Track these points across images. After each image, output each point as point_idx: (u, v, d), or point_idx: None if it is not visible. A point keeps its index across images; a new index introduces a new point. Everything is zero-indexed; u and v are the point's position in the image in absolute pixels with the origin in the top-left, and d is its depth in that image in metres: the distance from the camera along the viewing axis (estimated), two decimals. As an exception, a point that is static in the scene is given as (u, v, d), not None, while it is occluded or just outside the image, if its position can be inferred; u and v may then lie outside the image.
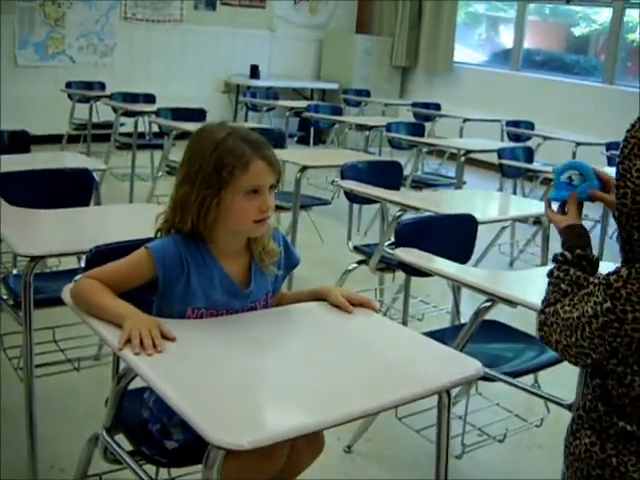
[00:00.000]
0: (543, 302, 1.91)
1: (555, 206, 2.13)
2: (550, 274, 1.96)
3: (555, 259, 1.98)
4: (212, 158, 2.13)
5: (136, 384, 2.11)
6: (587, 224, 2.08)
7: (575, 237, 1.99)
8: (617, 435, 1.76)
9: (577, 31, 11.18)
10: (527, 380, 3.55)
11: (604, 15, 10.30)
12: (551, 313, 1.83)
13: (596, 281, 1.72)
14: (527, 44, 11.39)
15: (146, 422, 2.23)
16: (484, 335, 3.20)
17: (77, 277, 2.23)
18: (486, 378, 2.84)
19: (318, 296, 2.36)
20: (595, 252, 1.99)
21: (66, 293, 2.19)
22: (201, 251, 2.20)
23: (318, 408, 1.76)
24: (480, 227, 3.64)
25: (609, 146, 7.45)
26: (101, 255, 2.30)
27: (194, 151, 2.19)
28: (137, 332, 1.94)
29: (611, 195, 1.96)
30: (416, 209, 3.86)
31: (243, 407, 1.72)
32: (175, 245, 2.18)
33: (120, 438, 2.24)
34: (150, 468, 2.23)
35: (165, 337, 1.97)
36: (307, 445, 2.19)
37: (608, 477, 1.76)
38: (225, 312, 2.22)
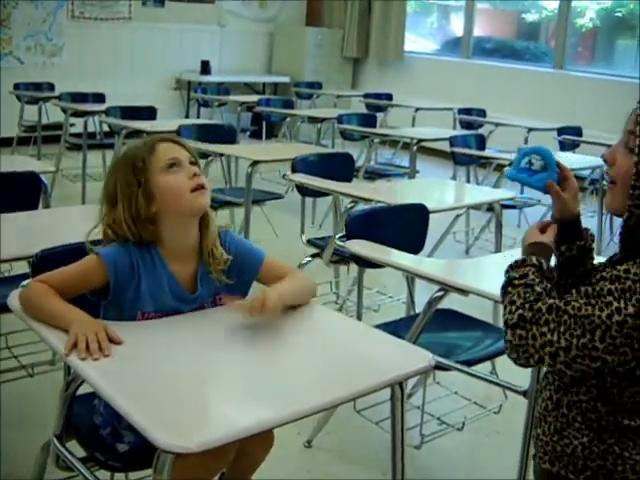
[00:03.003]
0: (518, 302, 1.70)
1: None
2: (515, 275, 1.79)
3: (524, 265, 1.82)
4: (123, 162, 2.20)
5: (88, 389, 2.08)
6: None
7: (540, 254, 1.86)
8: (619, 430, 1.71)
9: (528, 18, 11.24)
10: (485, 368, 3.57)
11: (554, 2, 10.35)
12: (545, 310, 1.64)
13: (633, 277, 1.58)
14: (478, 32, 11.42)
15: (98, 428, 2.21)
16: (441, 324, 3.21)
17: (24, 282, 2.20)
18: (441, 367, 2.84)
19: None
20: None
21: (12, 299, 2.16)
22: (152, 255, 2.19)
23: (267, 407, 1.75)
24: (435, 216, 3.64)
25: (560, 131, 7.51)
26: (47, 259, 2.28)
27: (110, 171, 2.26)
28: (83, 336, 1.92)
29: (566, 193, 1.91)
30: (367, 200, 3.85)
31: (191, 409, 1.70)
32: (126, 251, 2.17)
33: (74, 445, 2.22)
34: (105, 474, 2.21)
35: (112, 340, 1.95)
36: (257, 442, 2.17)
37: (610, 465, 1.72)
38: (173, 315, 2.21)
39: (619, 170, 1.69)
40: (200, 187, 2.17)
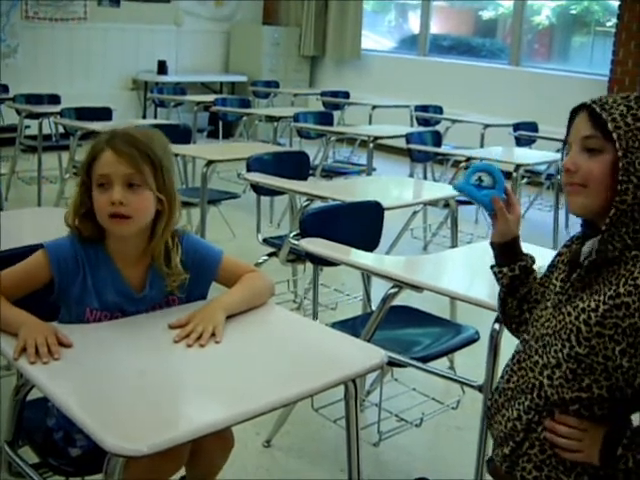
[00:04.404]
0: None
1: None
2: None
3: None
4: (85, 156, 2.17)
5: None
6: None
7: None
8: None
9: (484, 15, 11.30)
10: (443, 364, 3.58)
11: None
12: None
13: None
14: (435, 29, 11.47)
15: (51, 431, 2.18)
16: (399, 321, 3.23)
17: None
18: (396, 364, 2.85)
19: None
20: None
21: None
22: (97, 251, 2.18)
23: (220, 406, 1.75)
24: (392, 213, 3.64)
25: (516, 127, 7.56)
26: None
27: None
28: (32, 340, 1.89)
29: (510, 216, 1.94)
30: (322, 198, 3.85)
31: (143, 410, 1.69)
32: (71, 244, 2.16)
33: (28, 450, 2.19)
34: (60, 479, 2.19)
35: (62, 343, 1.93)
36: (214, 443, 2.16)
37: None
38: (120, 314, 2.19)
39: (588, 174, 1.72)
40: (118, 216, 2.10)
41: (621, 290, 1.63)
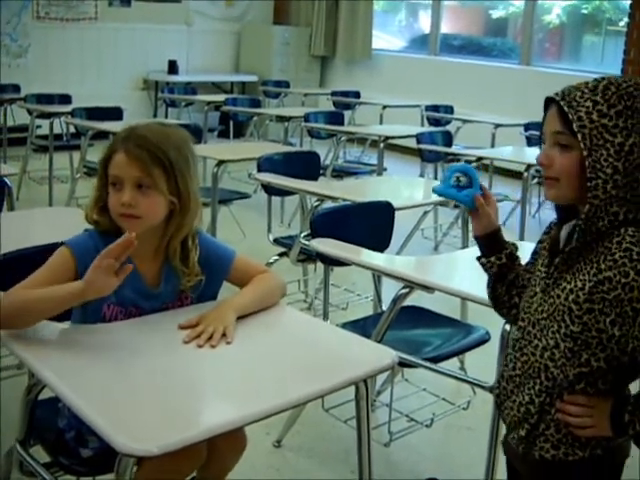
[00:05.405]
0: None
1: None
2: None
3: None
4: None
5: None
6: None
7: None
8: None
9: (495, 14, 11.28)
10: (453, 364, 3.57)
11: (521, -1, 10.42)
12: None
13: None
14: (446, 29, 11.46)
15: (62, 431, 2.18)
16: (410, 322, 3.23)
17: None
18: (407, 364, 2.85)
19: None
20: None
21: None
22: None
23: (232, 407, 1.75)
24: (403, 213, 3.64)
25: (527, 126, 7.54)
26: (10, 263, 2.25)
27: None
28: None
29: (489, 209, 2.02)
30: (332, 198, 3.85)
31: (155, 411, 1.69)
32: (90, 239, 2.17)
33: (40, 449, 2.20)
34: (72, 478, 2.20)
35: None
36: (227, 443, 2.16)
37: None
38: (134, 309, 2.19)
39: (561, 168, 1.77)
40: (126, 216, 2.13)
41: (602, 266, 1.69)
